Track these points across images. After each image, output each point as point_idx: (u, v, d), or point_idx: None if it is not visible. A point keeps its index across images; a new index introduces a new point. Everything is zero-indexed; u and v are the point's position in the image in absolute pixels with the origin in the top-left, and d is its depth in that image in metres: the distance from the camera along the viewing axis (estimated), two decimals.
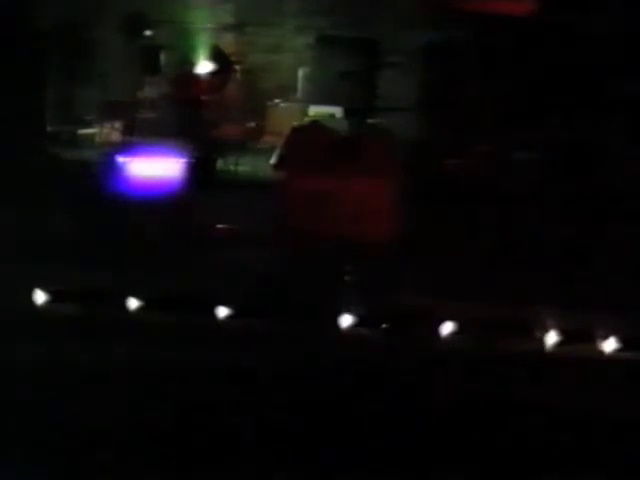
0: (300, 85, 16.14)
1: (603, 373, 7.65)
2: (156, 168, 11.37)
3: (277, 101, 15.89)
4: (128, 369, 7.02)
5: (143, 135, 13.07)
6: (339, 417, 6.51)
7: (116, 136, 14.05)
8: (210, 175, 12.37)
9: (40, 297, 8.14)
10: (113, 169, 11.10)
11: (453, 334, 8.17)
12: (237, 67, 15.88)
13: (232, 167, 13.19)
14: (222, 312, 8.20)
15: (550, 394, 7.08)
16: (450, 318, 8.20)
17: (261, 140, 14.87)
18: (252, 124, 15.06)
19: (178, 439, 6.06)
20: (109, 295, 8.17)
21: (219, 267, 8.82)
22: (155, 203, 10.09)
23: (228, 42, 16.01)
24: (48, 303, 8.13)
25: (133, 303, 8.19)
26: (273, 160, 10.51)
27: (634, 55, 13.38)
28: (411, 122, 14.12)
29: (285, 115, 15.08)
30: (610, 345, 8.10)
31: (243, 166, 13.25)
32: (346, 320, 8.24)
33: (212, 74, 15.01)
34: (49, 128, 13.58)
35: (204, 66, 15.09)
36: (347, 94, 15.30)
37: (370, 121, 14.02)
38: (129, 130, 13.74)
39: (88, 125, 14.72)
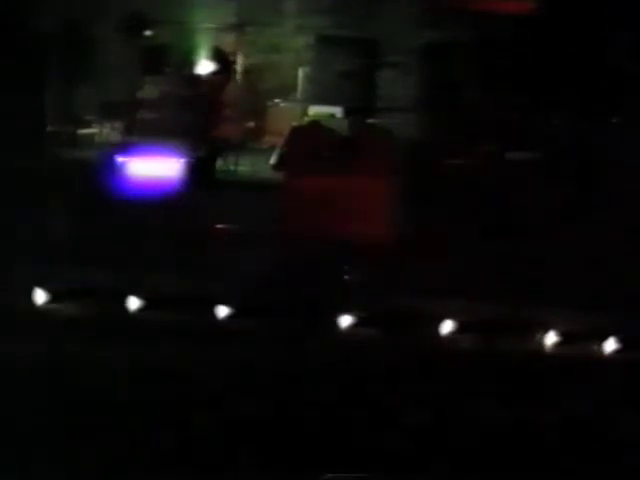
0: (300, 85, 16.14)
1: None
2: (156, 168, 11.36)
3: (277, 101, 15.89)
4: (128, 369, 7.02)
5: (143, 135, 13.05)
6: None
7: (116, 136, 14.05)
8: (210, 175, 12.37)
9: (40, 297, 8.15)
10: (113, 169, 11.10)
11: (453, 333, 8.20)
12: (237, 67, 15.89)
13: (232, 167, 13.19)
14: (222, 312, 8.21)
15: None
16: (450, 318, 8.22)
17: (261, 140, 14.87)
18: (252, 124, 15.06)
19: (175, 438, 6.07)
20: (109, 295, 8.17)
21: (219, 267, 8.82)
22: (155, 203, 10.08)
23: (228, 42, 16.01)
24: (48, 303, 8.14)
25: (133, 303, 8.20)
26: (273, 160, 10.50)
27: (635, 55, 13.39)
28: (411, 122, 14.13)
29: (285, 115, 15.08)
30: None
31: (243, 166, 13.25)
32: (346, 320, 8.24)
33: (212, 74, 15.02)
34: (49, 128, 13.57)
35: (204, 66, 15.10)
36: (347, 94, 15.31)
37: (370, 121, 14.02)
38: (129, 130, 13.73)
39: (88, 125, 14.71)
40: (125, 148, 12.01)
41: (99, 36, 15.26)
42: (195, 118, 13.21)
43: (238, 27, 16.09)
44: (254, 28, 16.18)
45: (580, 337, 8.20)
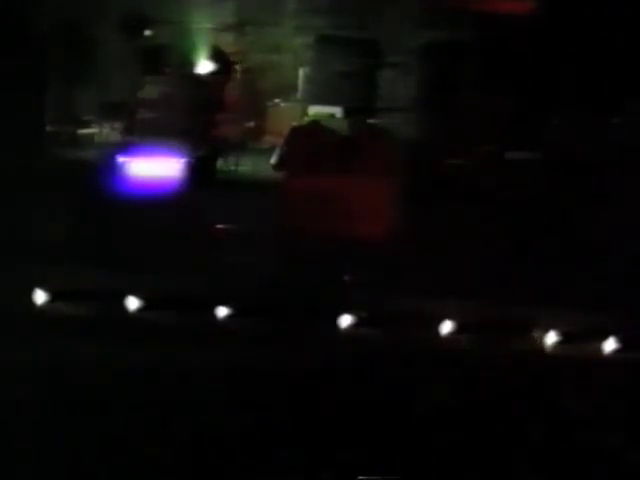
0: (300, 85, 16.15)
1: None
2: (156, 168, 11.36)
3: (277, 101, 15.90)
4: (128, 369, 7.02)
5: (143, 135, 13.06)
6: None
7: (116, 136, 14.05)
8: (210, 175, 12.37)
9: (40, 297, 8.14)
10: (113, 169, 11.10)
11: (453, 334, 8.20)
12: (237, 67, 15.88)
13: (232, 167, 13.20)
14: (222, 312, 8.21)
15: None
16: (450, 318, 8.22)
17: (261, 140, 14.88)
18: (252, 124, 15.06)
19: (177, 439, 6.08)
20: (109, 295, 8.17)
21: (219, 267, 8.81)
22: (155, 203, 10.08)
23: (228, 42, 16.01)
24: (48, 303, 8.13)
25: (133, 303, 8.20)
26: (273, 160, 10.51)
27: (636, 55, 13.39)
28: (411, 122, 14.13)
29: (285, 115, 15.09)
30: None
31: (243, 166, 13.26)
32: (346, 320, 8.24)
33: (212, 74, 15.01)
34: (49, 128, 13.56)
35: (204, 66, 15.10)
36: (347, 94, 15.31)
37: (370, 121, 14.02)
38: (129, 130, 13.73)
39: (88, 125, 14.71)
40: (125, 148, 12.01)
41: (99, 36, 15.25)
42: (195, 118, 13.21)
43: (238, 27, 16.10)
44: (254, 28, 16.19)
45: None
